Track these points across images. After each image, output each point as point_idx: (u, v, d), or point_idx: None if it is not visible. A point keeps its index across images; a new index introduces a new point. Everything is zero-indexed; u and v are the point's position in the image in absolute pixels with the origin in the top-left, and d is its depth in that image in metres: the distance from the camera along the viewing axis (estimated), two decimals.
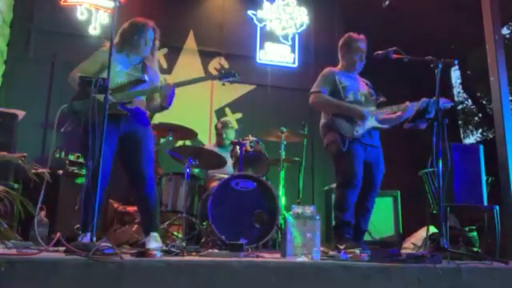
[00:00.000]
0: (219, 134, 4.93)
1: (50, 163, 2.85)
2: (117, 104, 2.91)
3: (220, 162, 4.24)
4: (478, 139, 11.97)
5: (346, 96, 3.56)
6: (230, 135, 4.88)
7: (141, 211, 3.15)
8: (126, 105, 2.98)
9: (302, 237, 2.45)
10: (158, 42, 3.26)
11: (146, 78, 3.05)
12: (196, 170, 4.57)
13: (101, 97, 2.71)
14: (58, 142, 5.17)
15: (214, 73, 6.22)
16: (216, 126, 5.01)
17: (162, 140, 4.56)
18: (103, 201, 3.03)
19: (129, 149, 3.04)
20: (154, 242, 2.90)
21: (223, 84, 3.24)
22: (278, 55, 6.69)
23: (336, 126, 3.48)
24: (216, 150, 4.60)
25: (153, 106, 3.24)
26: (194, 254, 2.67)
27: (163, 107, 3.14)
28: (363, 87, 3.71)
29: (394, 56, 3.20)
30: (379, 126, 3.58)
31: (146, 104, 3.20)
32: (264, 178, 4.00)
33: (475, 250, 3.80)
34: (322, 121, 3.68)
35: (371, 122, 3.54)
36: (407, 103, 3.53)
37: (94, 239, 2.24)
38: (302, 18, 6.87)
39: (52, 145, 2.43)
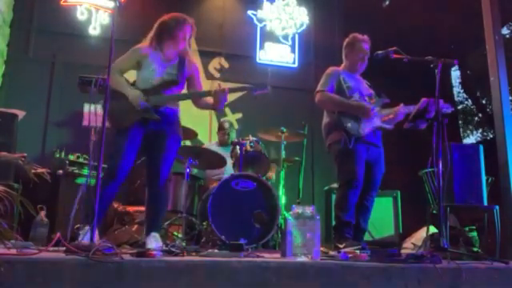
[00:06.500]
0: (226, 134, 4.90)
1: (52, 161, 2.86)
2: (150, 109, 2.96)
3: (220, 162, 4.23)
4: (478, 139, 11.96)
5: (351, 96, 3.55)
6: (233, 135, 4.89)
7: (147, 209, 3.10)
8: (157, 107, 3.01)
9: (302, 237, 2.45)
10: (192, 41, 3.29)
11: (179, 79, 3.10)
12: (195, 171, 4.56)
13: (133, 100, 2.90)
14: (59, 141, 5.20)
15: (215, 73, 6.34)
16: (223, 126, 4.96)
17: None
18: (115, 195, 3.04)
19: (151, 147, 3.04)
20: (154, 242, 2.89)
21: (255, 97, 3.23)
22: (277, 55, 6.67)
23: (342, 124, 3.45)
24: (219, 149, 4.60)
25: (203, 105, 3.26)
26: (193, 254, 2.68)
27: (215, 109, 3.21)
28: (366, 88, 3.71)
29: (394, 56, 3.19)
30: (383, 126, 3.58)
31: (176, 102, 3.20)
32: (264, 178, 4.00)
33: (475, 250, 3.80)
34: (326, 120, 3.66)
35: (376, 122, 3.54)
36: (399, 106, 3.56)
37: (94, 239, 2.24)
38: (302, 17, 6.85)
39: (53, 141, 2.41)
